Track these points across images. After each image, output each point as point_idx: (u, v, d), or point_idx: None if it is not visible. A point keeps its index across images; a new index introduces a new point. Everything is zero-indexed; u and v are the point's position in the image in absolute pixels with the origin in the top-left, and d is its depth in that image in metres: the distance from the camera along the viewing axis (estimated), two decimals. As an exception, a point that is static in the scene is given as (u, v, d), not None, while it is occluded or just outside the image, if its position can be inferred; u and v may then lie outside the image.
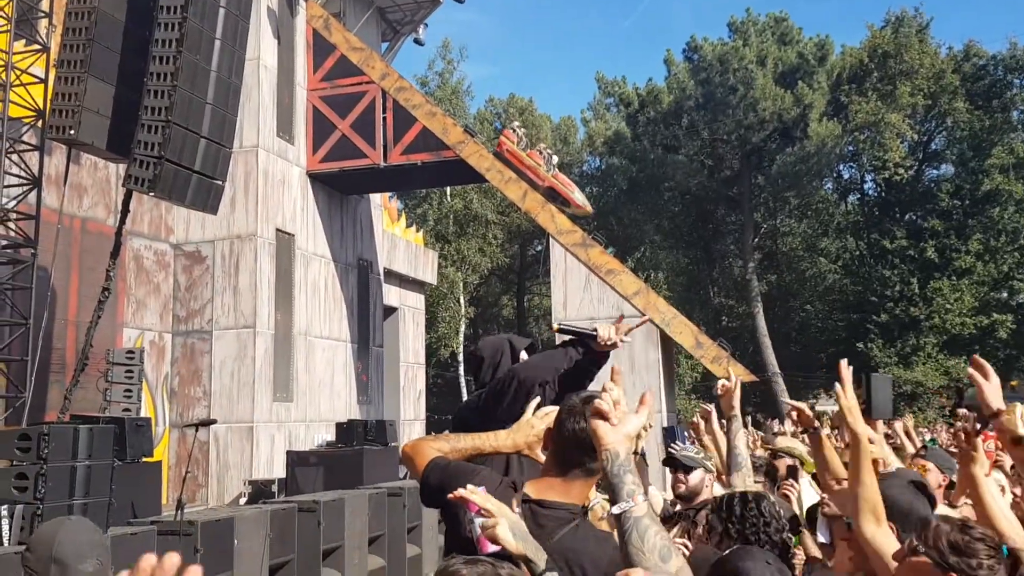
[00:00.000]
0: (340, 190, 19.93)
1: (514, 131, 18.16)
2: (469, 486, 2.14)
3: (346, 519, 8.75)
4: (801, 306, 42.65)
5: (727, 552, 2.61)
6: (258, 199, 17.00)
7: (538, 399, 2.74)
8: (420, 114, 18.49)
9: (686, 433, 6.54)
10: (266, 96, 17.54)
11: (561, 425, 2.24)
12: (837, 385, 2.79)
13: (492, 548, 2.06)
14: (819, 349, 41.03)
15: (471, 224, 40.60)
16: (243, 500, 14.57)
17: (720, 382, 3.83)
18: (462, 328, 41.41)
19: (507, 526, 2.06)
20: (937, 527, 2.26)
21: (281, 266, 17.51)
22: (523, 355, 3.43)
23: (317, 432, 17.49)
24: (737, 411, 3.70)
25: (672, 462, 4.38)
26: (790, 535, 2.98)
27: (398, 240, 24.83)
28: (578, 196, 17.66)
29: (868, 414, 2.58)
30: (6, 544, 5.47)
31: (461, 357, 41.14)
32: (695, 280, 43.17)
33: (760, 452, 5.27)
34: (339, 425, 12.70)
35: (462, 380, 40.74)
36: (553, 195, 17.23)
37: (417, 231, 28.10)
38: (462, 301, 40.94)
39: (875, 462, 3.41)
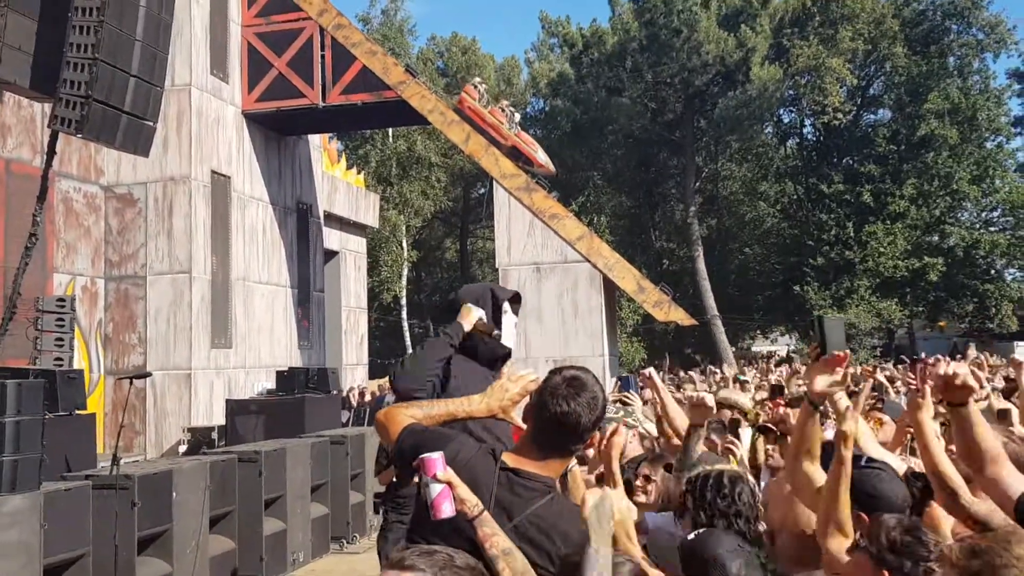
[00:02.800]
0: (277, 131, 19.41)
1: (475, 87, 17.80)
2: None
3: (287, 468, 8.69)
4: (740, 249, 43.27)
5: (694, 536, 2.58)
6: (192, 140, 16.46)
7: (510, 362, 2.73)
8: (359, 52, 18.02)
9: (640, 384, 6.58)
10: (198, 32, 16.87)
11: (543, 406, 2.24)
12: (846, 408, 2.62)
13: (446, 514, 2.06)
14: (757, 292, 41.79)
15: (414, 167, 40.07)
16: (182, 448, 14.38)
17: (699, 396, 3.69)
18: (404, 272, 41.13)
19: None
20: (882, 523, 2.24)
21: (217, 209, 17.06)
22: (506, 306, 3.35)
23: (257, 379, 17.29)
24: (704, 422, 3.61)
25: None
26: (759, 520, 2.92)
27: (339, 182, 24.37)
28: (541, 156, 17.48)
29: (824, 354, 2.52)
30: (-69, 503, 5.29)
31: (404, 301, 40.96)
32: (637, 224, 43.42)
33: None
34: (279, 373, 12.55)
35: (405, 324, 40.63)
36: (516, 154, 17.01)
37: (358, 173, 27.60)
38: (405, 245, 40.59)
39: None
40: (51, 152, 11.31)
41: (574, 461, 2.34)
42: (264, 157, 18.93)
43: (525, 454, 2.26)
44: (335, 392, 12.44)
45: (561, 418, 2.18)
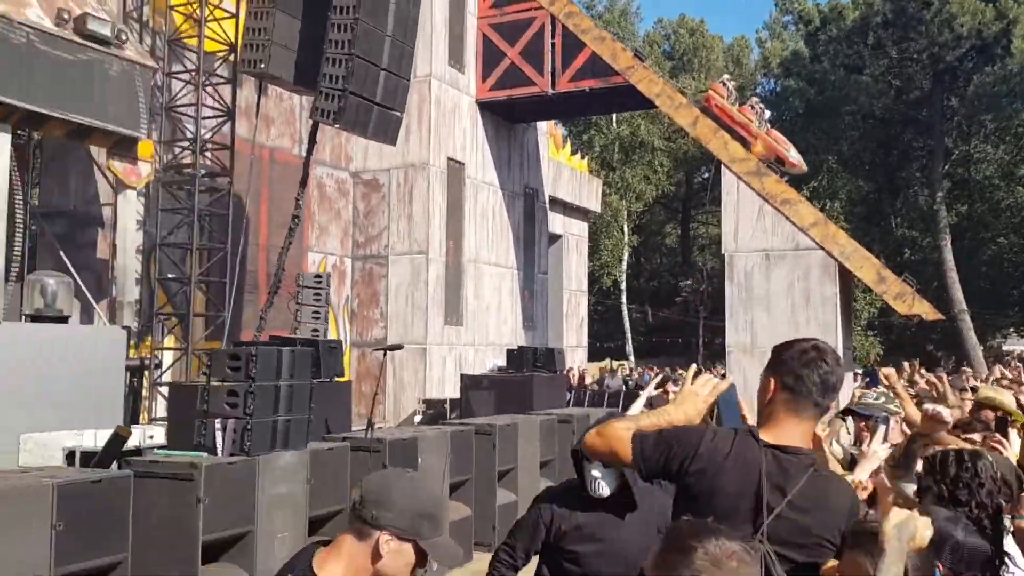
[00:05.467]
0: (508, 118, 20.05)
1: (723, 84, 17.45)
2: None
3: (519, 443, 9.05)
4: (993, 239, 39.56)
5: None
6: (430, 128, 17.38)
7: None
8: (589, 39, 18.18)
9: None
10: (439, 25, 17.74)
11: (799, 375, 2.30)
12: None
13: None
14: (1012, 285, 38.11)
15: (637, 151, 39.91)
16: (418, 418, 15.32)
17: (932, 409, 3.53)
18: (625, 256, 41.16)
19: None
20: None
21: (452, 194, 17.94)
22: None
23: (485, 355, 18.07)
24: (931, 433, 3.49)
25: (851, 413, 4.40)
26: (1004, 500, 2.80)
27: (563, 168, 24.80)
28: (794, 155, 16.87)
29: None
30: (220, 454, 6.00)
31: (624, 286, 41.01)
32: (876, 210, 40.82)
33: (953, 403, 4.96)
34: (509, 351, 13.05)
35: (624, 309, 40.69)
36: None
37: (582, 158, 27.92)
38: (625, 229, 40.60)
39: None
40: (312, 141, 12.35)
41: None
42: (495, 144, 19.63)
43: (776, 428, 2.30)
44: (560, 372, 12.76)
45: (824, 378, 2.28)
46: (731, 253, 16.15)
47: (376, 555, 2.00)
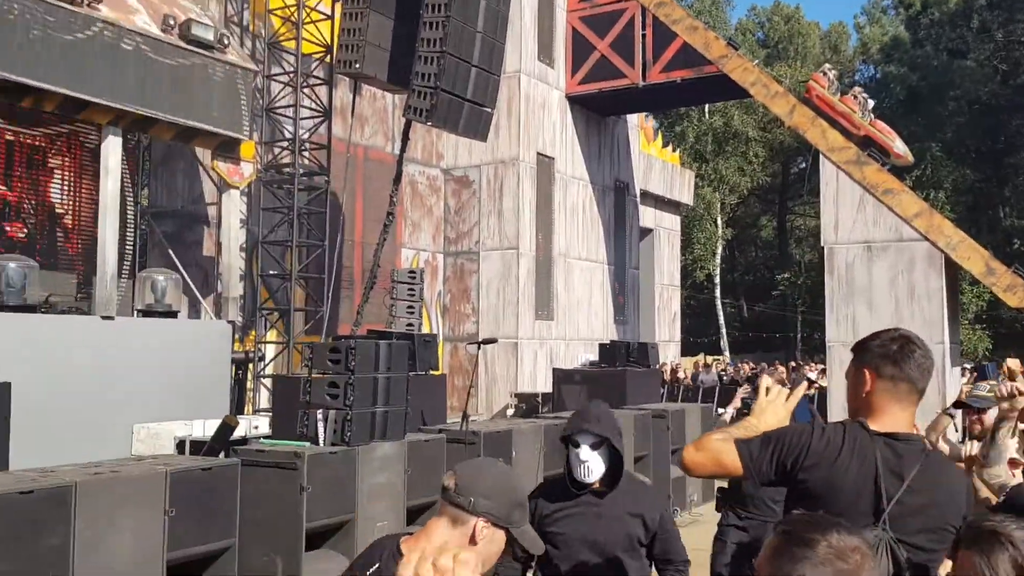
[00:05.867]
0: (598, 112, 19.94)
1: (824, 74, 17.00)
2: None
3: (613, 438, 9.00)
4: (1113, 228, 37.46)
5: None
6: (520, 124, 17.44)
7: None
8: (680, 29, 17.92)
9: (999, 372, 6.01)
10: (528, 20, 17.78)
11: (897, 363, 2.34)
12: None
13: None
14: None
15: (731, 142, 39.17)
16: (510, 412, 15.41)
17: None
18: (719, 250, 40.48)
19: None
20: None
21: (541, 189, 17.96)
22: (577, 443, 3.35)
23: (576, 350, 18.05)
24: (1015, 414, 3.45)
25: (962, 406, 4.33)
26: None
27: (654, 161, 24.56)
28: (899, 145, 16.32)
29: None
30: (322, 444, 6.16)
31: (717, 279, 40.35)
32: (983, 198, 39.07)
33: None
34: (602, 345, 12.99)
35: (718, 303, 40.04)
36: (869, 143, 16.07)
37: (673, 151, 27.59)
38: (719, 222, 39.92)
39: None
40: (405, 138, 12.55)
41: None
42: (585, 138, 19.56)
43: (882, 417, 2.33)
44: (654, 366, 12.64)
45: (920, 363, 2.32)
46: (830, 245, 15.70)
47: (472, 541, 2.04)
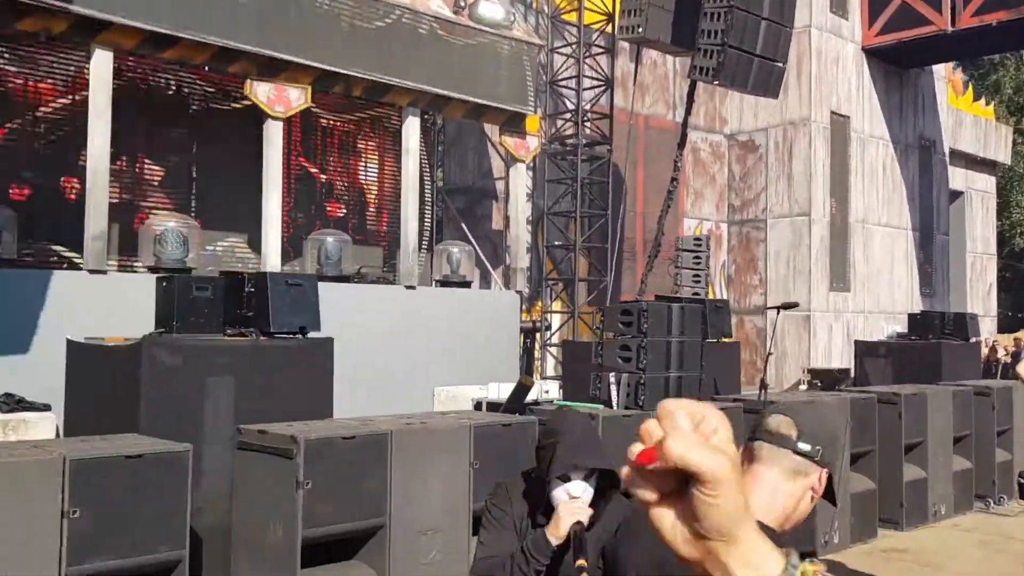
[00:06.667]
0: (898, 64, 18.20)
1: None
2: None
3: (929, 414, 8.13)
4: None
5: None
6: (811, 82, 16.32)
7: None
8: (1001, -37, 15.84)
9: None
10: (819, -31, 16.57)
11: None
12: None
13: None
14: None
15: (1057, 91, 34.35)
16: (802, 387, 14.56)
17: None
18: (1042, 214, 35.74)
19: None
20: None
21: (835, 151, 16.74)
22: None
23: (876, 324, 16.70)
24: None
25: None
26: None
27: (964, 116, 22.14)
28: None
29: None
30: (615, 407, 6.07)
31: (1041, 248, 35.66)
32: None
33: None
34: (911, 316, 11.84)
35: (1042, 274, 35.39)
36: None
37: (987, 104, 24.67)
38: (1043, 182, 35.21)
39: None
40: (690, 101, 12.16)
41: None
42: (884, 93, 17.96)
43: None
44: (975, 339, 11.32)
45: None
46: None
47: (813, 495, 1.79)
